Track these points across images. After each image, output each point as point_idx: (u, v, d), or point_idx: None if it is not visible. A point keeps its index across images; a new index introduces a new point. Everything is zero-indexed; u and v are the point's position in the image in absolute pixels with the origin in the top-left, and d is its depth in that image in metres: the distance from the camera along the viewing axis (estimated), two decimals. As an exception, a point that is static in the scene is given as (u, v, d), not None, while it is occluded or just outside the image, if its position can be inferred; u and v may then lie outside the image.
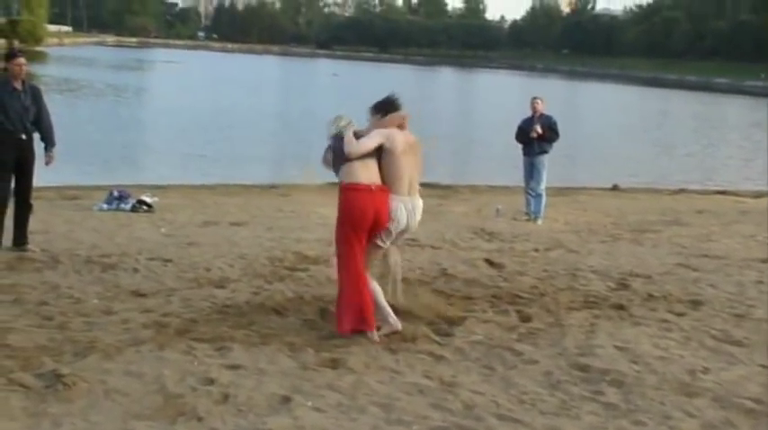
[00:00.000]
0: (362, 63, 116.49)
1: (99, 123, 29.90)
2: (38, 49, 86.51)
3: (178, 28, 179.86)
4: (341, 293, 6.27)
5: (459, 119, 44.89)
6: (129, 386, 5.05)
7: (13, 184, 8.97)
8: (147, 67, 79.22)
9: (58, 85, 46.08)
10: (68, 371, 5.11)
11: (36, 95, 8.95)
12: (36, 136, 9.01)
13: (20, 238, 8.94)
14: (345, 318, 6.20)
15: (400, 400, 5.01)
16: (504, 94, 61.48)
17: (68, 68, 62.24)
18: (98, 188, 15.42)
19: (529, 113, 13.84)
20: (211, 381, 5.17)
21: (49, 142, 9.04)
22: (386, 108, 6.54)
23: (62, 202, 13.71)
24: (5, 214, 8.93)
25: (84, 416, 4.57)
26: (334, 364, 5.59)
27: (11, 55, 8.88)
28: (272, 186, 18.67)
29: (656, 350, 6.08)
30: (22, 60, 8.78)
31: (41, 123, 8.96)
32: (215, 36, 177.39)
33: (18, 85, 8.78)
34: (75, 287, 7.32)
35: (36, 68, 59.87)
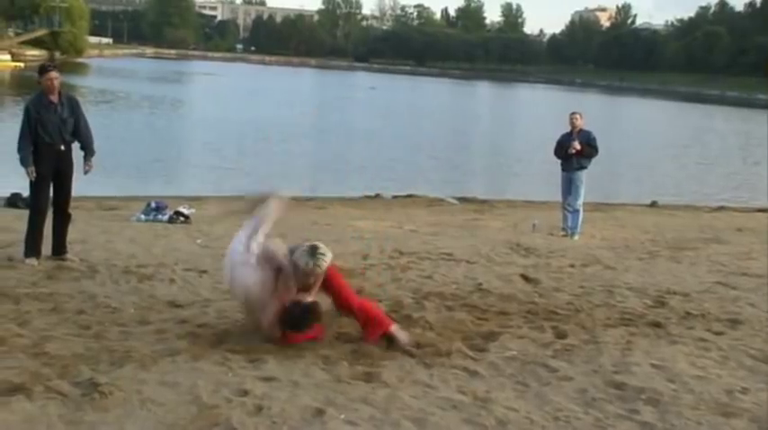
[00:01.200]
0: (400, 76, 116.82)
1: (136, 135, 30.27)
2: (78, 60, 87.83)
3: (216, 40, 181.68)
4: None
5: (496, 133, 44.81)
6: (164, 396, 5.08)
7: (51, 195, 9.06)
8: (186, 79, 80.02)
9: (96, 96, 46.69)
10: (105, 380, 5.15)
11: (74, 106, 9.00)
12: (75, 146, 9.09)
13: (58, 248, 9.03)
14: (370, 328, 6.28)
15: (434, 415, 4.98)
16: (542, 109, 61.30)
17: (107, 80, 63.10)
18: (136, 199, 15.59)
19: (567, 129, 13.78)
20: (245, 393, 5.18)
21: (87, 151, 9.11)
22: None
23: (101, 213, 13.86)
24: (44, 224, 9.00)
25: (119, 425, 4.61)
26: (368, 378, 5.58)
27: (42, 70, 8.93)
28: (309, 199, 18.73)
29: (693, 369, 6.00)
30: (53, 74, 8.80)
31: (80, 133, 9.02)
32: (253, 48, 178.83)
33: (54, 98, 8.82)
34: (112, 296, 7.38)
35: (76, 80, 60.89)
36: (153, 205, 13.46)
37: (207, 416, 4.80)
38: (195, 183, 20.33)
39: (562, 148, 13.68)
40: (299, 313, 6.03)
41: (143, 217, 13.12)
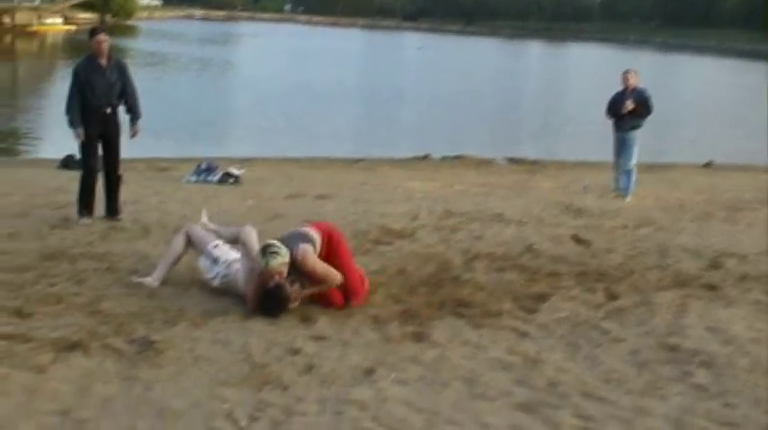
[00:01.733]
0: (448, 36, 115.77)
1: (186, 97, 30.45)
2: (128, 23, 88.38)
3: (265, 2, 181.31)
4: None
5: (547, 93, 44.29)
6: (216, 354, 5.14)
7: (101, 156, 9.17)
8: (234, 40, 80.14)
9: (145, 58, 47.01)
10: (159, 338, 5.24)
11: (122, 70, 9.02)
12: (122, 109, 9.16)
13: (111, 210, 9.17)
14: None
15: (483, 376, 4.99)
16: (595, 68, 60.41)
17: (156, 42, 63.39)
18: (187, 160, 15.71)
19: (620, 87, 13.56)
20: (296, 352, 5.23)
21: (134, 115, 9.15)
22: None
23: (152, 174, 14.01)
24: (95, 184, 9.13)
25: (173, 382, 4.68)
26: (418, 338, 5.59)
27: (92, 32, 8.97)
28: (358, 160, 18.73)
29: (749, 332, 5.91)
30: (102, 37, 8.82)
31: (127, 97, 9.05)
32: (301, 9, 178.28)
33: (103, 62, 8.86)
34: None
35: (126, 42, 61.30)
36: (203, 166, 13.55)
37: (258, 374, 4.86)
38: (244, 145, 20.42)
39: (615, 107, 13.47)
40: (265, 300, 5.98)
41: (194, 178, 13.23)
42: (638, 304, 6.54)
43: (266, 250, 5.97)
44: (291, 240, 6.17)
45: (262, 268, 5.95)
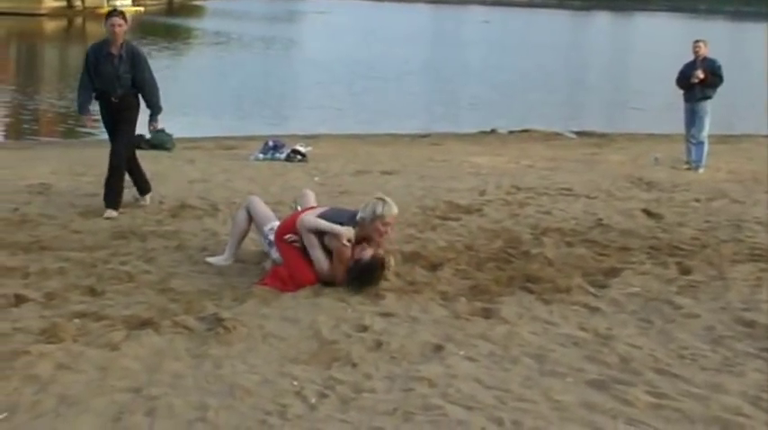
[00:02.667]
0: (514, 9, 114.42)
1: (251, 75, 30.59)
2: (195, 3, 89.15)
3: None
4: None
5: (614, 65, 43.56)
6: (285, 331, 5.16)
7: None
8: (299, 18, 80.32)
9: (210, 38, 47.47)
10: (228, 316, 5.28)
11: (135, 61, 8.32)
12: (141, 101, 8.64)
13: (106, 199, 8.35)
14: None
15: (554, 352, 4.92)
16: (663, 38, 59.16)
17: (222, 22, 63.84)
18: (254, 138, 15.82)
19: (691, 58, 13.25)
20: (365, 328, 5.22)
21: (152, 109, 8.56)
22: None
23: (220, 152, 14.13)
24: (124, 173, 8.51)
25: (243, 359, 4.71)
26: (487, 314, 5.55)
27: (108, 15, 8.41)
28: (424, 136, 18.66)
29: (829, 306, 5.74)
30: (116, 20, 8.18)
31: (143, 90, 8.44)
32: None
33: (114, 50, 8.24)
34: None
35: (191, 23, 61.98)
36: (270, 144, 13.61)
37: (327, 351, 4.87)
38: (311, 122, 20.47)
39: (685, 78, 13.18)
40: (363, 271, 5.96)
41: (261, 156, 13.30)
42: (712, 279, 6.40)
43: (386, 202, 6.07)
44: (342, 216, 6.18)
45: (386, 217, 6.01)
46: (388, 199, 6.15)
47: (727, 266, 6.71)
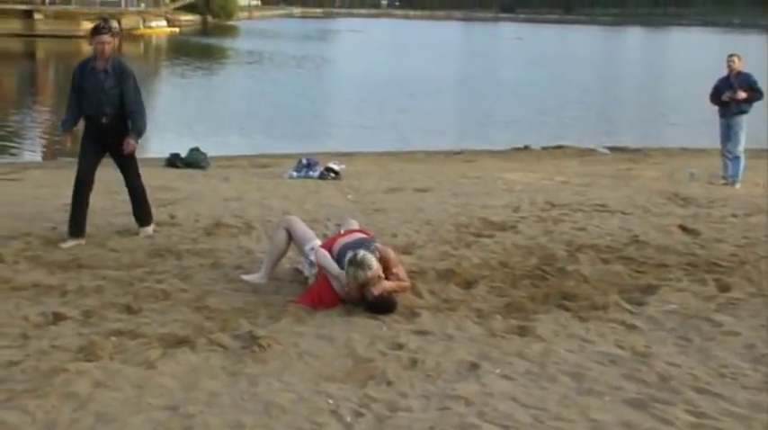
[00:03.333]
0: (546, 26, 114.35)
1: (284, 94, 30.79)
2: (229, 23, 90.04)
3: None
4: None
5: (648, 80, 43.33)
6: (320, 349, 5.16)
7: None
8: (331, 36, 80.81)
9: (243, 57, 47.84)
10: (263, 334, 5.28)
11: (122, 77, 7.79)
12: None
13: (137, 216, 8.30)
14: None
15: (591, 370, 4.87)
16: (697, 53, 58.78)
17: (255, 41, 64.44)
18: (287, 156, 15.90)
19: (724, 72, 13.14)
20: (400, 346, 5.20)
21: (133, 127, 7.95)
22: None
23: (254, 170, 14.21)
24: (83, 199, 8.01)
25: (278, 377, 4.71)
26: (523, 332, 5.51)
27: (95, 30, 7.86)
28: (457, 152, 18.65)
29: None
30: (105, 38, 7.71)
31: (128, 107, 7.85)
32: (397, 3, 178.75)
33: (100, 65, 7.75)
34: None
35: (226, 42, 62.58)
36: (304, 162, 13.67)
37: (363, 369, 4.85)
38: (344, 140, 20.56)
39: (718, 94, 13.06)
40: (370, 307, 5.90)
41: (295, 173, 13.36)
42: (751, 295, 6.31)
43: (357, 263, 5.87)
44: (361, 245, 6.15)
45: (359, 280, 5.87)
46: (359, 256, 5.90)
47: (766, 283, 6.61)
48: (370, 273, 5.85)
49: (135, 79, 7.92)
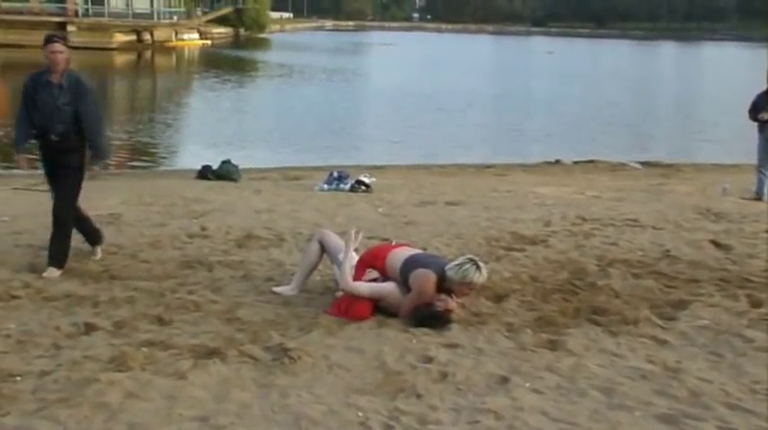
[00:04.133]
0: (578, 40, 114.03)
1: (315, 107, 30.92)
2: (261, 36, 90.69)
3: (393, 10, 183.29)
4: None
5: (681, 95, 43.05)
6: (350, 361, 5.17)
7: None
8: (363, 50, 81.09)
9: (274, 70, 48.09)
10: (294, 346, 5.30)
11: (77, 93, 7.07)
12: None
13: (53, 254, 7.18)
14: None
15: (622, 385, 4.84)
16: (732, 68, 58.34)
17: (286, 54, 64.81)
18: (319, 169, 15.96)
19: (763, 87, 12.99)
20: (430, 360, 5.20)
21: (93, 150, 7.26)
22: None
23: (286, 183, 14.28)
24: (65, 229, 7.28)
25: (308, 389, 4.73)
26: (553, 346, 5.49)
27: (46, 41, 7.10)
28: (488, 166, 18.63)
29: None
30: (57, 47, 7.00)
31: (84, 124, 7.12)
32: (429, 17, 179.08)
33: (54, 78, 7.03)
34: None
35: (257, 55, 62.97)
36: (335, 174, 13.71)
37: (393, 381, 4.86)
38: (375, 153, 20.61)
39: (756, 110, 12.89)
40: (429, 317, 5.92)
41: (326, 186, 13.41)
42: (784, 312, 6.24)
43: (479, 266, 6.01)
44: (426, 263, 6.18)
45: (468, 280, 5.96)
46: (481, 263, 6.10)
47: (799, 299, 6.55)
48: (482, 280, 6.05)
49: (93, 93, 7.32)
